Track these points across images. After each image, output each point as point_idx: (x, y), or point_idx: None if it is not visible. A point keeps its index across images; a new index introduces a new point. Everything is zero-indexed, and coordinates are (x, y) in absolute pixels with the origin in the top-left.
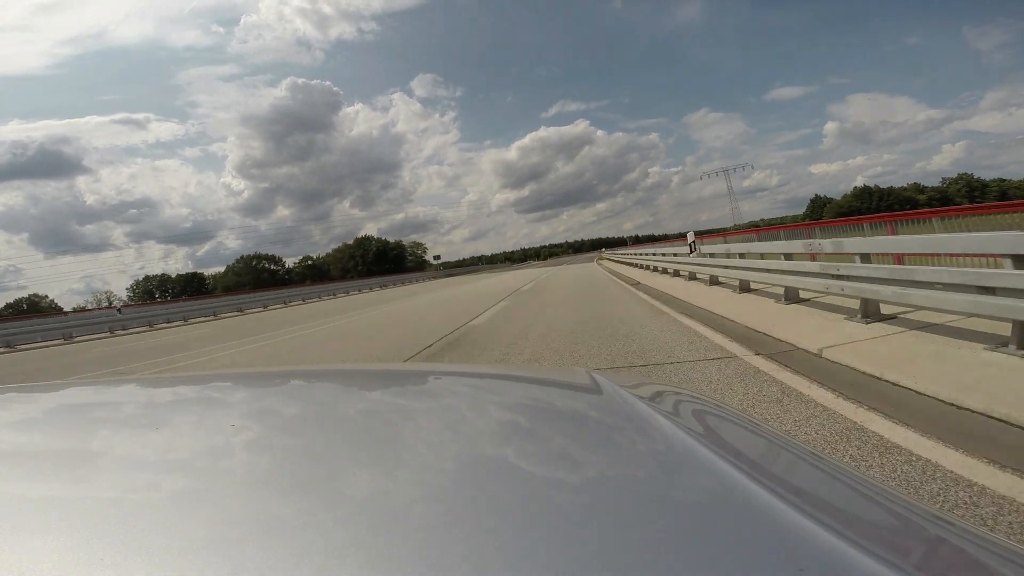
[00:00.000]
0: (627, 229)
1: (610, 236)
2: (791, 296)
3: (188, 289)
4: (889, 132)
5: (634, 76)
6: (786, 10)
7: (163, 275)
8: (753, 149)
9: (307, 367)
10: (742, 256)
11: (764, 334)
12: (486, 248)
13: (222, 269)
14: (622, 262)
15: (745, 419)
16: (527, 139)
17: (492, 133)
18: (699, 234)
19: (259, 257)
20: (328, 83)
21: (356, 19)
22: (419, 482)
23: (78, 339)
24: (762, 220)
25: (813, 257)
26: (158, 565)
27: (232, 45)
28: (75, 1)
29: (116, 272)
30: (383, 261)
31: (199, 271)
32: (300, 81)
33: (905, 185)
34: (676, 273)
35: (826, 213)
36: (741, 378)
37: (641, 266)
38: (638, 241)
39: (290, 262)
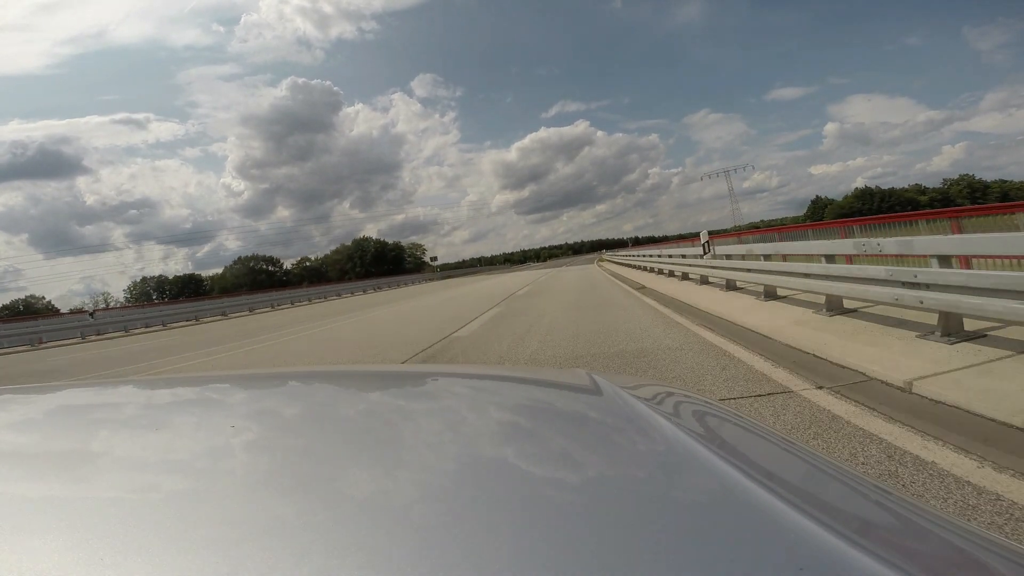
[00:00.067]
0: (627, 231)
1: (610, 238)
2: (834, 306)
3: (186, 291)
4: (889, 133)
5: (634, 76)
6: (786, 10)
7: (160, 277)
8: (753, 150)
9: (307, 368)
10: (767, 258)
11: (816, 356)
12: (486, 250)
13: (221, 271)
14: (624, 264)
15: (745, 420)
16: (527, 140)
17: (492, 134)
18: (693, 236)
19: (257, 258)
20: (328, 83)
21: (356, 18)
22: (419, 482)
23: (48, 345)
24: (762, 221)
25: (849, 260)
26: (158, 565)
27: (232, 44)
28: (75, 1)
29: (116, 273)
30: (381, 262)
31: (199, 272)
32: (300, 81)
33: (906, 186)
34: (685, 276)
35: (827, 214)
36: (812, 427)
37: (645, 268)
38: (638, 243)
39: (289, 263)
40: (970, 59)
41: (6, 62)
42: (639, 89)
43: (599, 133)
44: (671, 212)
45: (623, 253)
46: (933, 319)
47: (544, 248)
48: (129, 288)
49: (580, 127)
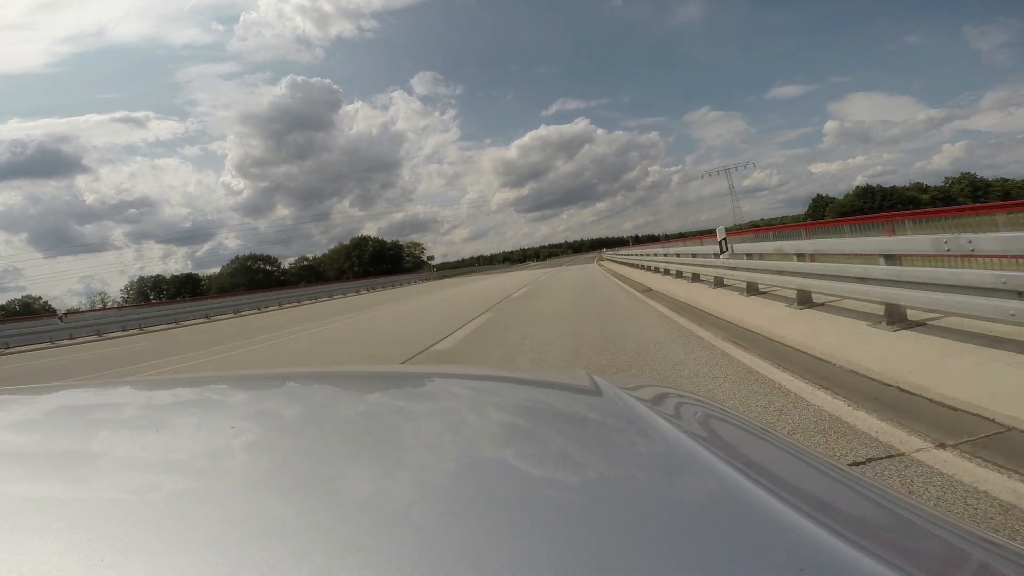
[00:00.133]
0: (627, 229)
1: (610, 236)
2: (896, 317)
3: (183, 290)
4: (889, 131)
5: (634, 74)
6: (786, 10)
7: (158, 276)
8: (753, 148)
9: (306, 369)
10: (800, 257)
11: (903, 391)
12: (486, 248)
13: (219, 270)
14: (625, 263)
15: (745, 421)
16: (527, 137)
17: (492, 131)
18: (701, 234)
19: (254, 258)
20: (328, 81)
21: (356, 17)
22: (419, 483)
23: (15, 350)
24: (762, 220)
25: (899, 259)
26: (158, 565)
27: (232, 43)
28: None
29: (116, 272)
30: (380, 262)
31: (198, 272)
32: (300, 79)
33: (907, 184)
34: (696, 278)
35: (828, 213)
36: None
37: (648, 268)
38: (638, 241)
39: (287, 262)
40: (970, 58)
41: (5, 61)
42: (639, 87)
43: (599, 131)
44: (671, 210)
45: (624, 252)
46: None
47: (544, 247)
48: (126, 288)
49: (580, 125)
